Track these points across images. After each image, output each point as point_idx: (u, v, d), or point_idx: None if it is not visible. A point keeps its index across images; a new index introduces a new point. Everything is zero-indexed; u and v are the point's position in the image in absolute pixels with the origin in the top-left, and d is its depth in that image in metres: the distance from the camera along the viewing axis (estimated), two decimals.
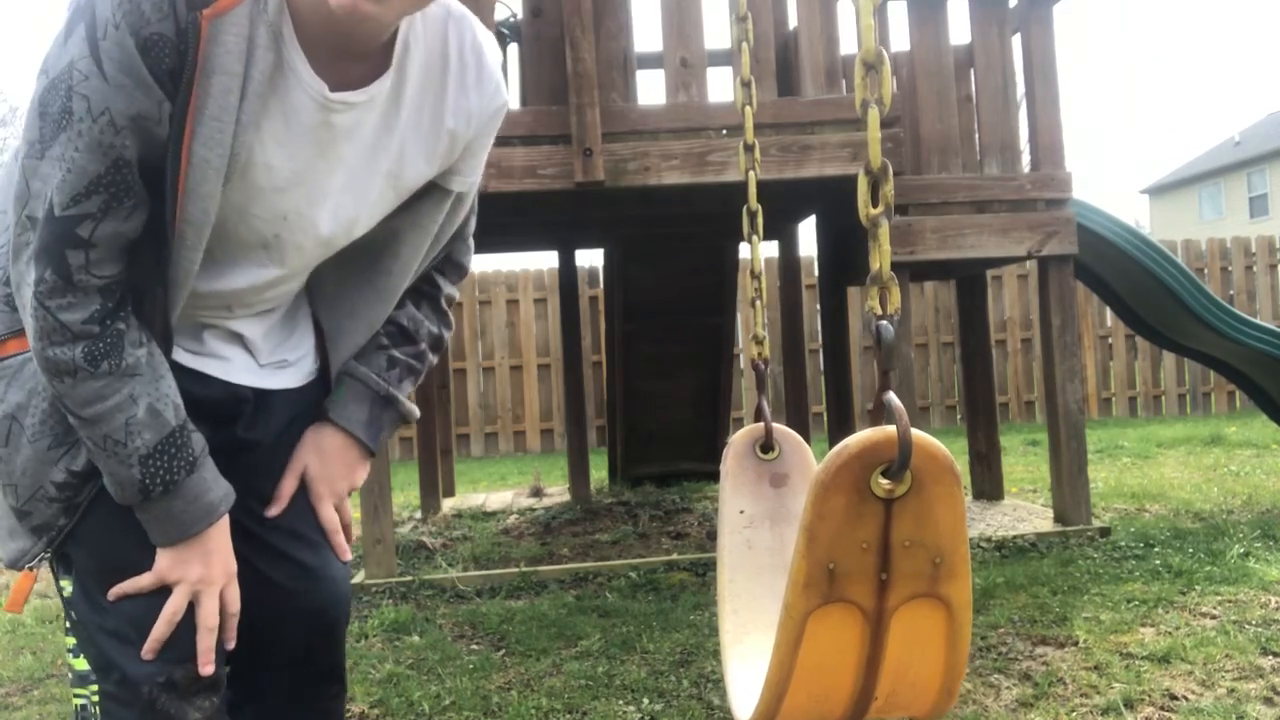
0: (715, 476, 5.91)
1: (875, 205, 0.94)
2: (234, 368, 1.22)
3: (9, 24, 46.35)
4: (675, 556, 3.73)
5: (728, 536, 1.51)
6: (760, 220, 1.68)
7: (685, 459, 5.69)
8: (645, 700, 2.32)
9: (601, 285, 6.95)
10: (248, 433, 1.23)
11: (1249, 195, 29.22)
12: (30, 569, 1.13)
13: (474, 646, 2.87)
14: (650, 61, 4.15)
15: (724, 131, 3.70)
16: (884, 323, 0.93)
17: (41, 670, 2.85)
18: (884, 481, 0.86)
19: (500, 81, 1.23)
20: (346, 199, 1.15)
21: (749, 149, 1.66)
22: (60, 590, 1.14)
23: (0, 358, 1.11)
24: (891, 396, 0.87)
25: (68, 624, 1.16)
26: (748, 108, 1.65)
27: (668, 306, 5.22)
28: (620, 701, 2.33)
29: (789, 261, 5.44)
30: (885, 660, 0.92)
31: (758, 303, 1.64)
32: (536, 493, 5.70)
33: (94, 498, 1.09)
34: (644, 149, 3.62)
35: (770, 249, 6.15)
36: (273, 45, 1.04)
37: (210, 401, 1.18)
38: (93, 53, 0.97)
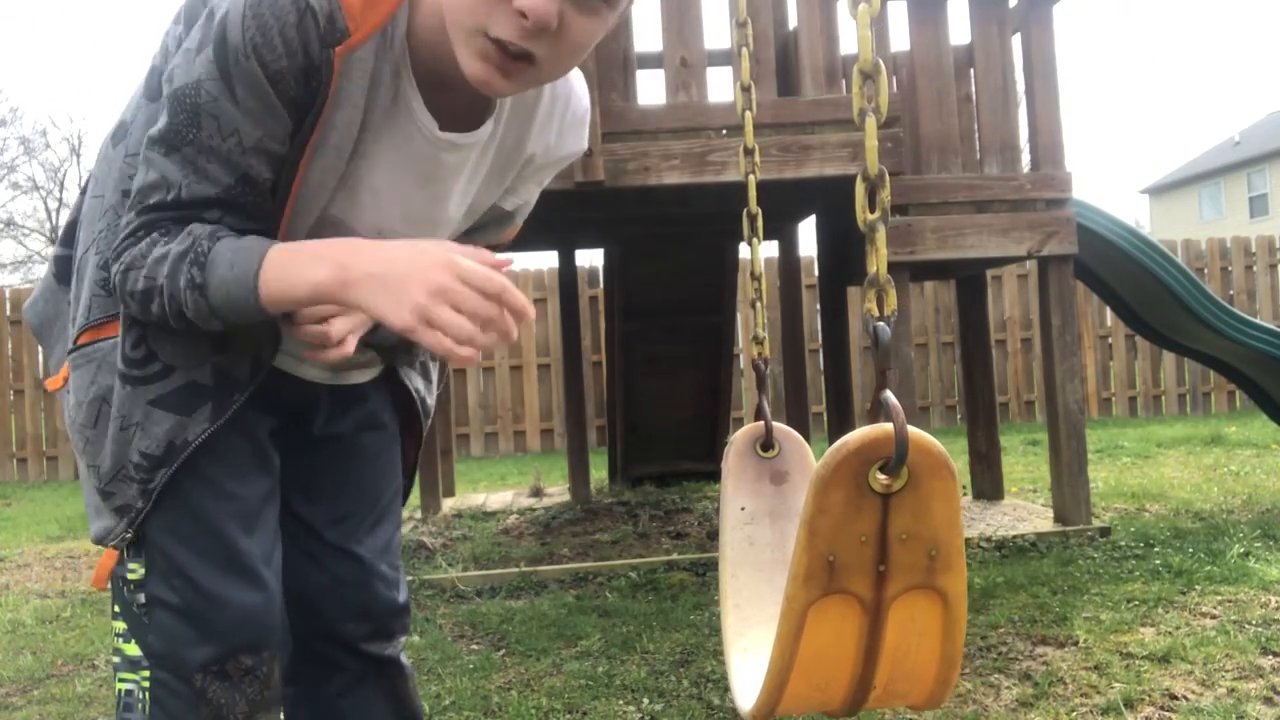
0: (715, 476, 5.94)
1: (873, 210, 0.96)
2: (309, 368, 1.25)
3: (9, 24, 46.34)
4: (675, 556, 3.73)
5: (729, 533, 1.53)
6: (760, 223, 1.69)
7: (685, 459, 5.69)
8: (645, 700, 2.32)
9: (601, 285, 6.94)
10: (325, 429, 1.28)
11: (1249, 195, 29.22)
12: (114, 546, 1.15)
13: (474, 646, 2.86)
14: (650, 61, 4.14)
15: (724, 131, 3.70)
16: (881, 324, 0.96)
17: (42, 670, 2.86)
18: (881, 477, 0.88)
19: (586, 127, 1.28)
20: (432, 222, 1.19)
21: (749, 153, 1.67)
22: (126, 573, 1.15)
23: (95, 341, 1.13)
24: (889, 395, 0.90)
25: (117, 608, 1.17)
26: (748, 113, 1.66)
27: (668, 306, 5.22)
28: (620, 701, 2.33)
29: (789, 261, 5.44)
30: (883, 650, 0.95)
31: (758, 304, 1.65)
32: (536, 493, 5.70)
33: (168, 482, 1.11)
34: (644, 149, 3.62)
35: (770, 249, 6.16)
36: (393, 81, 1.07)
37: (289, 396, 1.23)
38: (223, 76, 0.99)
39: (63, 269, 1.23)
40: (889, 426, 0.88)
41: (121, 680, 1.17)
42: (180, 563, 1.12)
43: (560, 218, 4.72)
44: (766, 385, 1.61)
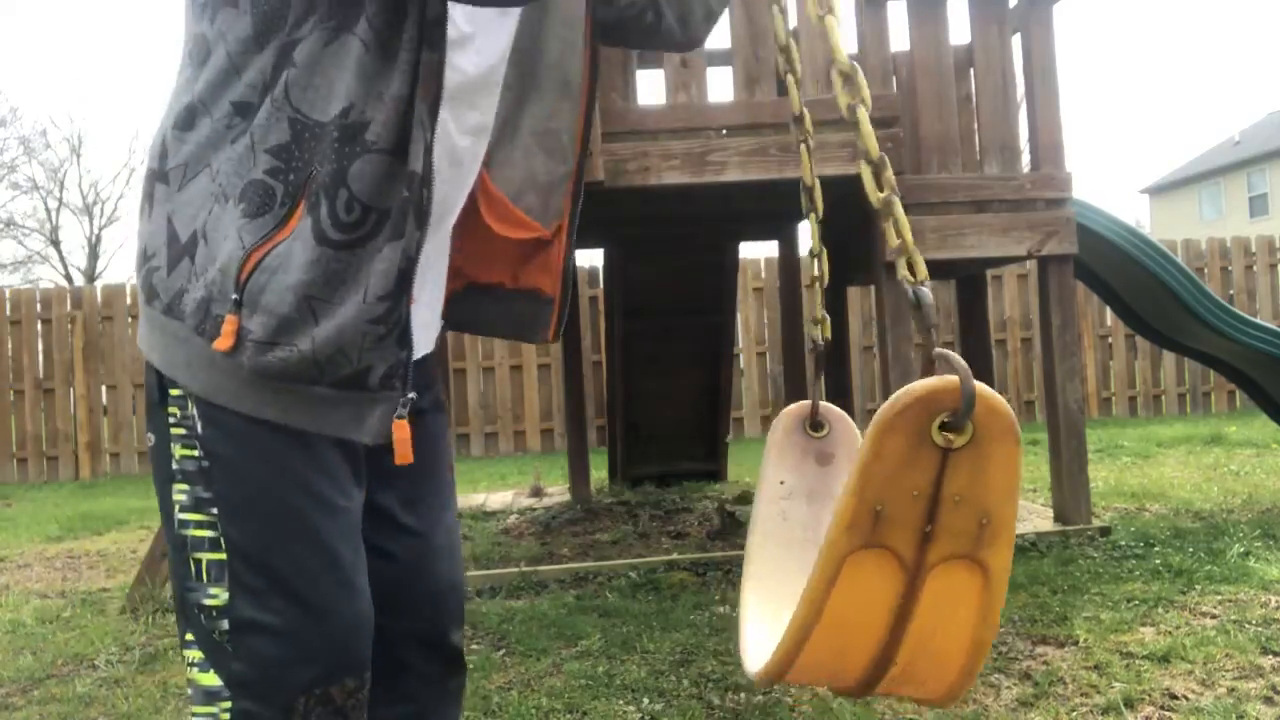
0: (715, 476, 5.93)
1: (881, 190, 0.97)
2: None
3: (9, 25, 46.37)
4: (675, 556, 3.73)
5: (764, 505, 1.51)
6: (819, 195, 1.64)
7: (685, 459, 5.69)
8: (645, 700, 2.32)
9: (601, 285, 6.94)
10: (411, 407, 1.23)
11: (1249, 195, 29.22)
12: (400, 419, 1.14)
13: (474, 646, 2.86)
14: (650, 61, 4.15)
15: (724, 131, 3.70)
16: (922, 288, 0.94)
17: (42, 670, 2.86)
18: (946, 432, 0.85)
19: None
20: None
21: (800, 132, 1.65)
22: (204, 599, 1.10)
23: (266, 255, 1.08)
24: (948, 352, 0.87)
25: (190, 635, 1.12)
26: (803, 110, 1.63)
27: (668, 306, 5.22)
28: (620, 701, 2.33)
29: (789, 261, 5.44)
30: (914, 619, 0.90)
31: (817, 285, 1.62)
32: (536, 493, 5.70)
33: (275, 504, 1.09)
34: (644, 149, 3.62)
35: (770, 249, 6.16)
36: None
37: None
38: None
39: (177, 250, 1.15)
40: (956, 379, 0.84)
41: (196, 714, 1.12)
42: (284, 581, 1.09)
43: None
44: (821, 366, 1.58)
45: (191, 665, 1.13)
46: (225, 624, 1.09)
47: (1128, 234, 4.28)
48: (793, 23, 4.12)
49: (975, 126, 4.08)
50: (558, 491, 5.73)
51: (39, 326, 9.28)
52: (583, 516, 4.72)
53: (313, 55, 1.07)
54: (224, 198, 1.09)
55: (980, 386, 0.85)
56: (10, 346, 9.24)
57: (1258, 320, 4.47)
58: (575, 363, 5.54)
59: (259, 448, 1.11)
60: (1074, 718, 2.10)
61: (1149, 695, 2.18)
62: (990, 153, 3.97)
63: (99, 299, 9.31)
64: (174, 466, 1.13)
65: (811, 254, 1.60)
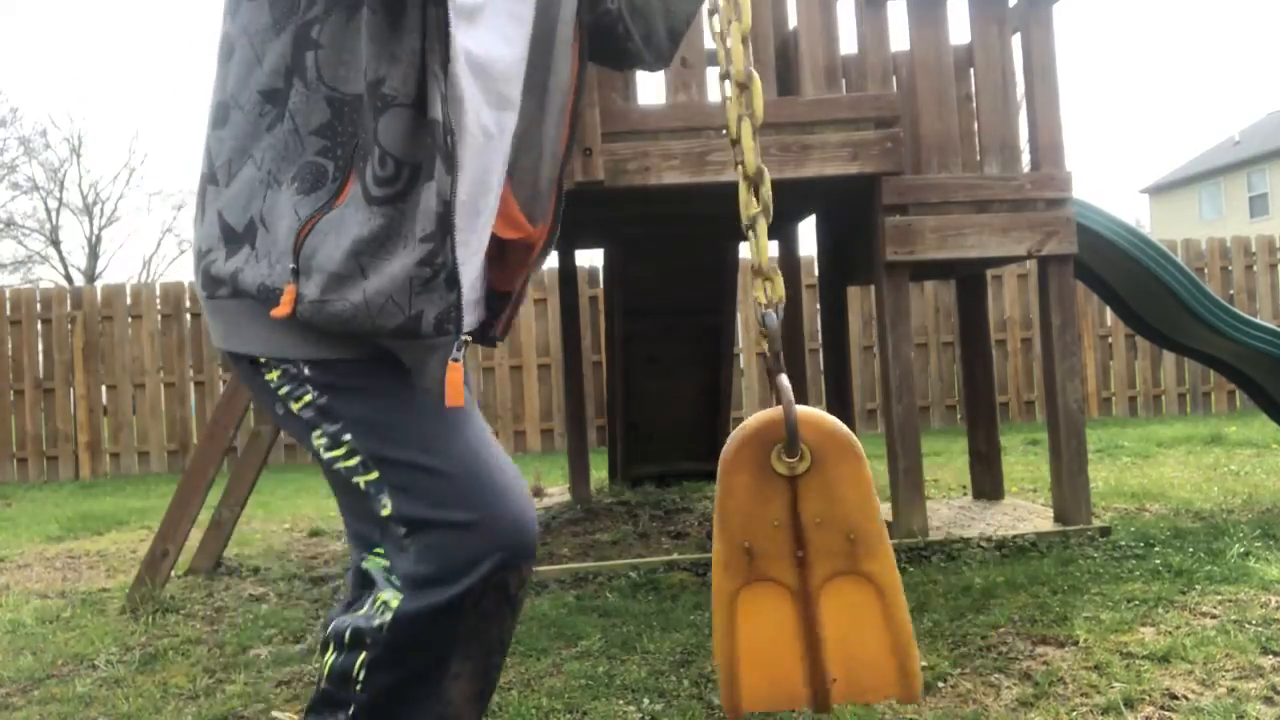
0: (715, 476, 5.93)
1: (757, 203, 0.98)
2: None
3: (9, 25, 46.34)
4: (675, 556, 3.73)
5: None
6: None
7: (685, 459, 5.68)
8: (645, 700, 2.32)
9: (601, 285, 6.94)
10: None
11: (1249, 195, 29.23)
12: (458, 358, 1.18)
13: None
14: None
15: (724, 131, 3.70)
16: (769, 312, 0.96)
17: (42, 670, 2.85)
18: (785, 459, 0.89)
19: None
20: None
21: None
22: (379, 509, 1.16)
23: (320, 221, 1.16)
24: (781, 378, 0.89)
25: (378, 550, 1.18)
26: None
27: (668, 306, 5.22)
28: (620, 701, 2.33)
29: (789, 261, 5.44)
30: (825, 639, 0.93)
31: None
32: (537, 493, 5.70)
33: (448, 424, 1.17)
34: (644, 149, 3.62)
35: (770, 249, 6.15)
36: None
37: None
38: None
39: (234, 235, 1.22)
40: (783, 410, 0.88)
41: (379, 600, 1.17)
42: (463, 478, 1.14)
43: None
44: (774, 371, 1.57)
45: (379, 569, 1.19)
46: (401, 530, 1.15)
47: (1128, 234, 4.28)
48: (793, 23, 4.13)
49: (975, 126, 4.08)
50: (558, 491, 5.73)
51: (39, 326, 9.28)
52: (583, 516, 4.72)
53: (338, 34, 1.13)
54: (275, 183, 1.16)
55: (808, 412, 0.88)
56: (10, 346, 9.24)
57: (1258, 320, 4.47)
58: (575, 363, 5.54)
59: (358, 368, 1.18)
60: (1074, 718, 2.10)
61: (1149, 695, 2.18)
62: (990, 153, 3.97)
63: (99, 299, 9.31)
64: (302, 419, 1.20)
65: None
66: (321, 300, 1.13)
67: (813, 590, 0.91)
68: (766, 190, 0.95)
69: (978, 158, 4.02)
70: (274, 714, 2.38)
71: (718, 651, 0.94)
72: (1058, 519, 3.96)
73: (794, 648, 0.93)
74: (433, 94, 1.12)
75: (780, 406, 0.88)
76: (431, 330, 1.15)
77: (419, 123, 1.13)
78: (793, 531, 0.89)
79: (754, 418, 0.89)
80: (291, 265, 1.14)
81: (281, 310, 1.14)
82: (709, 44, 3.86)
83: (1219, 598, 2.86)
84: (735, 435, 0.89)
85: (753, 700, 0.95)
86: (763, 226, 0.94)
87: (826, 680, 0.94)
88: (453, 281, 1.15)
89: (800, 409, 0.87)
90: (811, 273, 7.58)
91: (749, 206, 0.97)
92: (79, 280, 27.89)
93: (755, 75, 0.96)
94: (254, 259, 1.16)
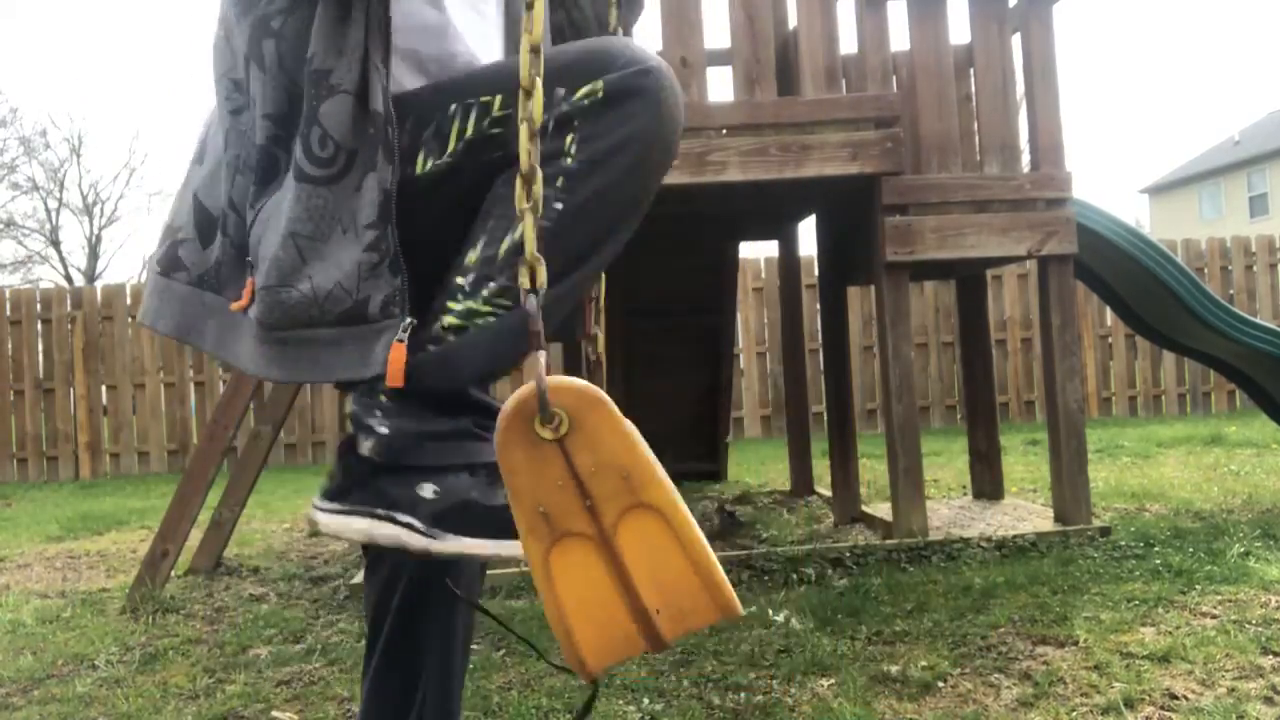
0: (715, 476, 5.93)
1: (528, 200, 1.03)
2: None
3: (9, 25, 46.37)
4: None
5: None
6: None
7: (685, 459, 5.69)
8: (645, 700, 2.32)
9: (601, 285, 6.94)
10: None
11: (1249, 195, 29.25)
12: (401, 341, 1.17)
13: (474, 646, 2.86)
14: None
15: (724, 131, 3.70)
16: (532, 294, 1.03)
17: (42, 670, 2.86)
18: (546, 426, 0.97)
19: None
20: None
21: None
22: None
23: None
24: (532, 359, 0.99)
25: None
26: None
27: (668, 306, 5.22)
28: (620, 701, 2.33)
29: (789, 261, 5.44)
30: (634, 573, 0.99)
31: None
32: None
33: None
34: None
35: (770, 249, 6.15)
36: None
37: None
38: None
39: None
40: (533, 384, 0.97)
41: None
42: None
43: None
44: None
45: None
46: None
47: (1128, 234, 4.28)
48: (793, 22, 4.13)
49: (975, 126, 4.08)
50: None
51: (39, 326, 9.28)
52: None
53: (301, 29, 1.16)
54: (246, 169, 1.20)
55: (555, 380, 0.97)
56: (10, 346, 9.24)
57: (1258, 320, 4.47)
58: (575, 363, 5.54)
59: None
60: (1074, 718, 2.10)
61: (1149, 695, 2.18)
62: (990, 152, 3.97)
63: (99, 299, 9.31)
64: None
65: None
66: (269, 288, 1.14)
67: (609, 529, 0.98)
68: (537, 188, 1.03)
69: (978, 158, 4.02)
70: (274, 714, 2.38)
71: (550, 617, 1.00)
72: (1058, 519, 3.96)
73: (612, 592, 1.00)
74: (374, 86, 1.15)
75: (531, 383, 0.96)
76: (378, 314, 1.16)
77: (360, 112, 1.15)
78: (576, 486, 0.97)
79: (511, 398, 0.96)
80: (249, 258, 1.18)
81: (240, 304, 1.18)
82: (709, 45, 3.86)
83: (1219, 598, 2.86)
84: (499, 419, 0.97)
85: (595, 655, 1.00)
86: (530, 221, 1.02)
87: (651, 615, 0.99)
88: (396, 266, 1.16)
89: (549, 379, 0.96)
90: (811, 273, 7.58)
91: (521, 202, 1.04)
92: (79, 280, 27.90)
93: (539, 83, 1.03)
94: (227, 249, 1.24)
